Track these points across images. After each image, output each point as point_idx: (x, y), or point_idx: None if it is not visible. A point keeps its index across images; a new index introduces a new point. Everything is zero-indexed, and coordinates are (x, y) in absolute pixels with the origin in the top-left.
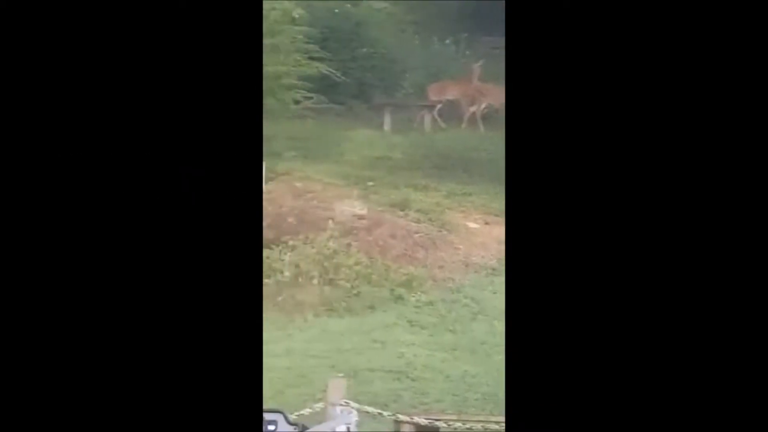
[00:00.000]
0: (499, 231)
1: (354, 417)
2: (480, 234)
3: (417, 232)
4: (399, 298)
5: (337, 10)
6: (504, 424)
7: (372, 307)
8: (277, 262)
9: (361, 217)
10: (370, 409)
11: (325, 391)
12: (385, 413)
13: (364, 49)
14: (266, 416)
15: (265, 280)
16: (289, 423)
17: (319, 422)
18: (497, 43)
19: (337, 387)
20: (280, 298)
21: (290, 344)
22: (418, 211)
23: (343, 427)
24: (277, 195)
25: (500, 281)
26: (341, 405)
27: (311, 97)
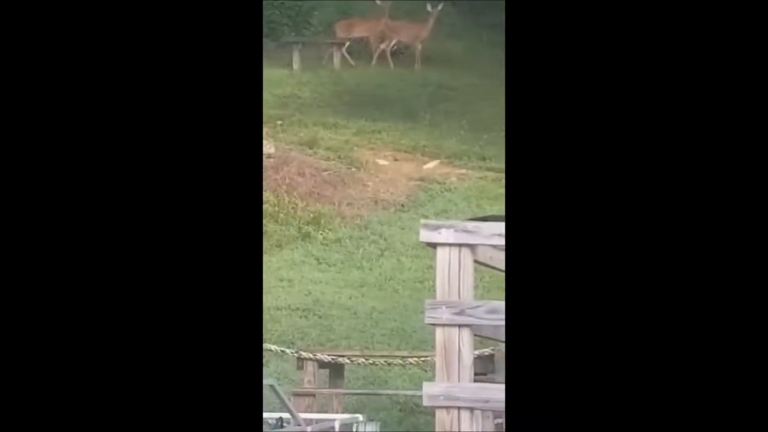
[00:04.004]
0: (407, 167)
1: None
2: (389, 171)
3: (326, 170)
4: (306, 236)
5: None
6: (408, 359)
7: (279, 246)
8: None
9: (268, 156)
10: (273, 347)
11: None
12: (288, 351)
13: None
14: None
15: None
16: None
17: None
18: None
19: None
20: None
21: None
22: (327, 149)
23: None
24: None
25: (408, 217)
26: None
27: None
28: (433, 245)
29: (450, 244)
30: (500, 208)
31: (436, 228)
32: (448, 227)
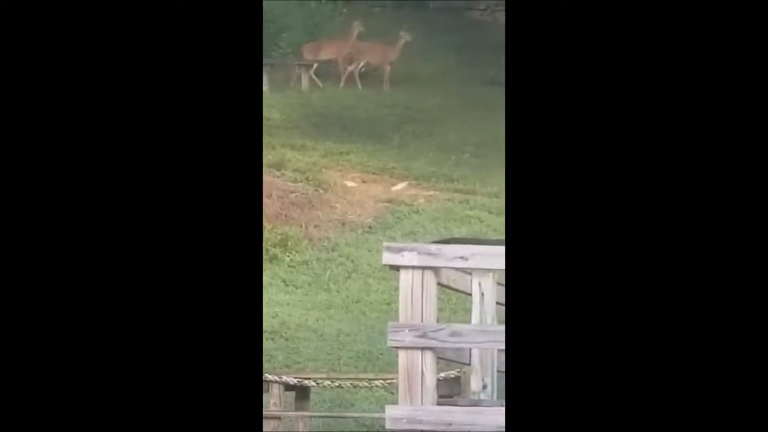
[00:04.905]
0: (375, 189)
1: None
2: (357, 192)
3: (293, 192)
4: (274, 258)
5: None
6: (374, 381)
7: None
8: None
9: None
10: None
11: None
12: None
13: None
14: None
15: None
16: None
17: None
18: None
19: None
20: None
21: None
22: (294, 170)
23: None
24: None
25: (375, 239)
26: None
27: None
28: (396, 268)
29: (413, 267)
30: (468, 230)
31: (399, 250)
32: (411, 250)
